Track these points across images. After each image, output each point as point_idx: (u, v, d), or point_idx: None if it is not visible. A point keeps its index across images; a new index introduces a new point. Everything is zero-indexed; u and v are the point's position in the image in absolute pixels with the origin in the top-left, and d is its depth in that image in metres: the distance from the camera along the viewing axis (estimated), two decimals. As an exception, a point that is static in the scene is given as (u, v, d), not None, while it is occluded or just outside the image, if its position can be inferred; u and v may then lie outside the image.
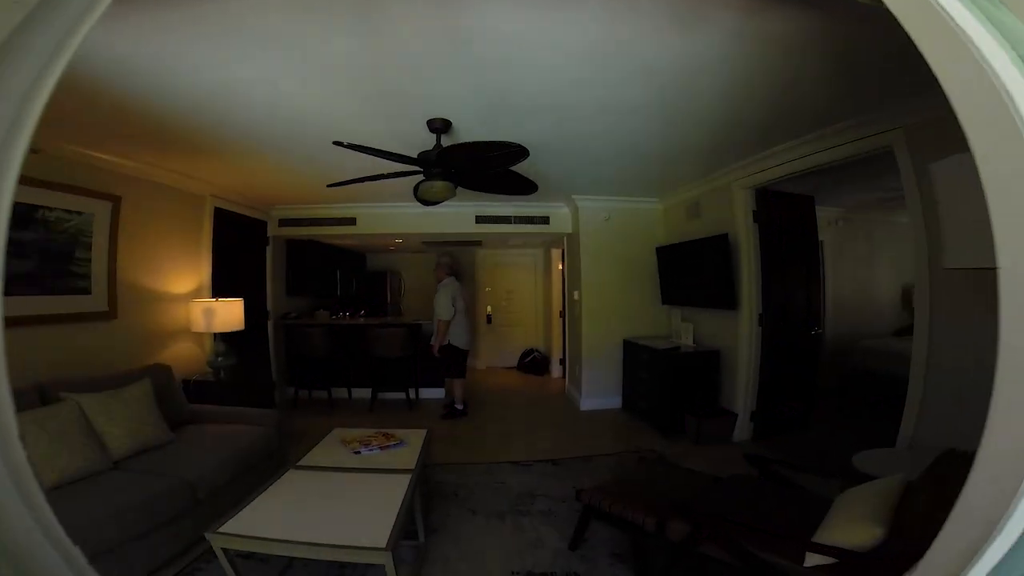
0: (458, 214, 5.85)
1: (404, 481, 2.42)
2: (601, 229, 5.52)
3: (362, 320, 6.47)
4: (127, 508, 2.23)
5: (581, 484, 3.07)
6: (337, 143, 2.63)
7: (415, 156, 2.86)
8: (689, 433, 4.41)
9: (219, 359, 4.29)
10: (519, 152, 2.59)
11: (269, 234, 6.06)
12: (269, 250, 6.06)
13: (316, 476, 2.54)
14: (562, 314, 7.02)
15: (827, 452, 3.90)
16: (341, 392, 6.20)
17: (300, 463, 2.72)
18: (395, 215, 5.93)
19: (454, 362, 5.42)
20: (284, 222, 6.10)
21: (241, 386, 4.38)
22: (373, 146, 2.58)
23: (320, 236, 6.64)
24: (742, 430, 4.36)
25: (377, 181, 3.20)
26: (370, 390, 5.80)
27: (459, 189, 3.19)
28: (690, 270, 4.93)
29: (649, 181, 4.82)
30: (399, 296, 9.26)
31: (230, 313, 4.34)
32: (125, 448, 2.72)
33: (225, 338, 4.37)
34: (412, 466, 2.67)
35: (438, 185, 2.88)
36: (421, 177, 3.05)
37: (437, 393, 6.20)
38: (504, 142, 2.61)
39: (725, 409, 4.48)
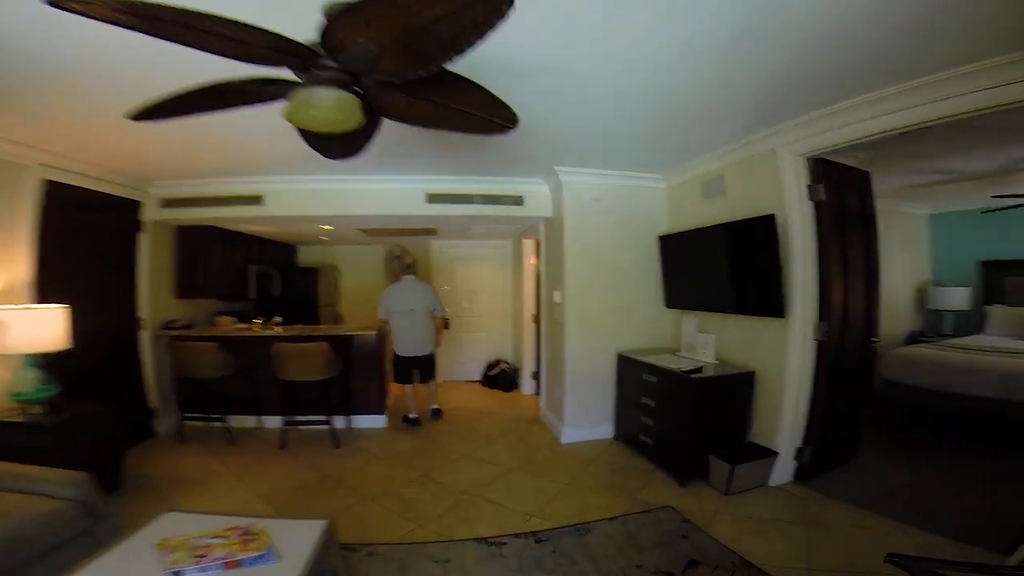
0: (402, 192, 4.47)
1: None
2: (590, 213, 4.29)
3: (274, 330, 4.96)
4: None
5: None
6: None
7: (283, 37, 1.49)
8: (714, 481, 3.27)
9: (32, 391, 2.82)
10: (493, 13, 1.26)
11: (145, 218, 4.48)
12: (144, 239, 4.49)
13: None
14: (536, 319, 5.77)
15: (920, 499, 2.90)
16: (248, 421, 4.72)
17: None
18: (316, 193, 4.48)
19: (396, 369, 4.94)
20: (169, 203, 4.54)
21: (72, 428, 2.90)
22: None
23: (222, 221, 5.09)
24: (782, 471, 3.28)
25: (235, 113, 1.80)
26: (291, 417, 4.34)
27: (391, 142, 1.88)
28: (710, 265, 3.78)
29: (664, 147, 3.62)
30: (335, 298, 7.73)
31: (43, 326, 2.84)
32: None
33: (56, 358, 2.91)
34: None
35: (323, 97, 1.51)
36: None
37: (377, 422, 4.82)
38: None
39: (760, 446, 3.38)
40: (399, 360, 4.91)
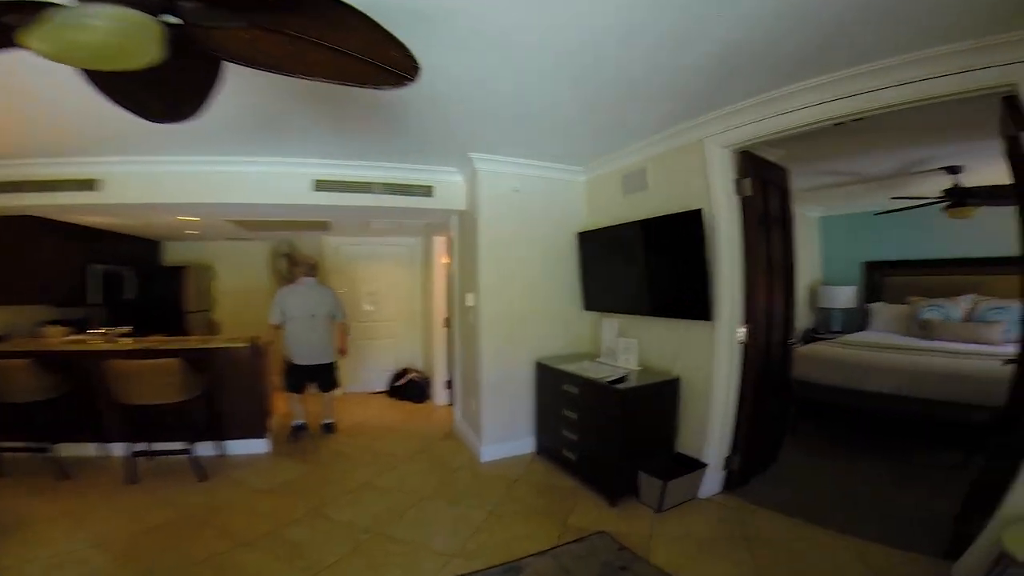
0: (283, 177, 3.77)
1: None
2: (509, 206, 3.88)
3: (117, 343, 3.99)
4: None
5: None
6: None
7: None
8: (645, 497, 3.00)
9: None
10: None
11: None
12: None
13: None
14: (447, 323, 5.26)
15: (847, 504, 2.81)
16: (86, 449, 3.78)
17: None
18: (170, 177, 3.65)
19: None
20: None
21: None
22: None
23: (47, 210, 4.04)
24: (711, 481, 3.10)
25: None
26: (142, 444, 3.49)
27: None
28: (632, 265, 3.53)
29: (587, 135, 3.29)
30: (209, 303, 6.66)
31: None
32: None
33: None
34: None
35: (93, 15, 0.97)
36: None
37: (256, 446, 4.06)
38: None
39: (687, 457, 3.16)
40: (295, 369, 4.41)
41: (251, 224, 5.28)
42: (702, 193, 3.02)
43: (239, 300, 6.66)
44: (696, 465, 3.07)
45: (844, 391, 4.22)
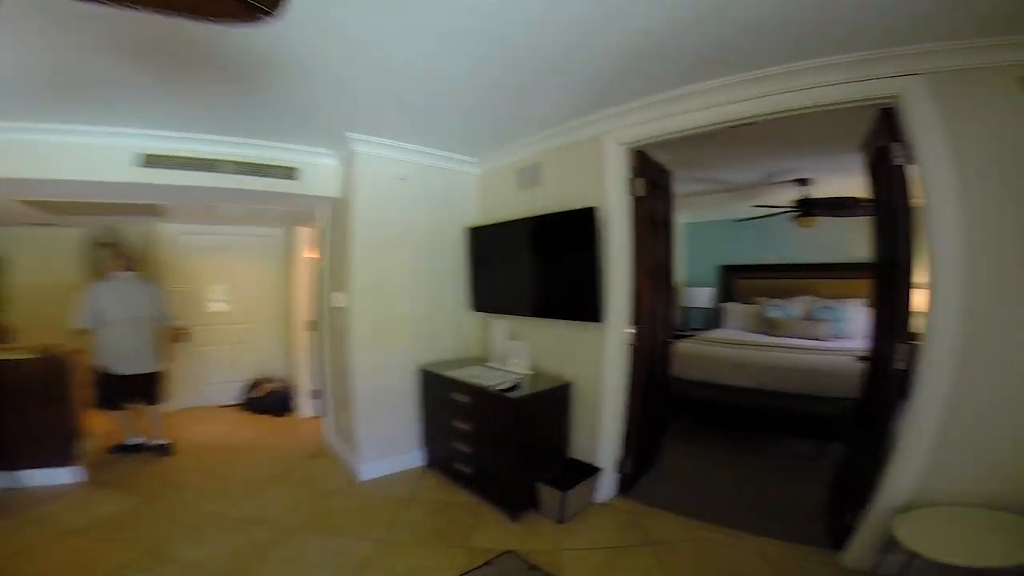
0: (96, 148, 2.95)
1: None
2: (392, 196, 3.47)
3: None
4: None
5: None
6: None
7: None
8: (546, 509, 2.84)
9: None
10: None
11: None
12: None
13: None
14: (313, 326, 4.65)
15: (735, 500, 2.87)
16: None
17: None
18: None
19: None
20: None
21: None
22: None
23: None
24: (606, 486, 3.05)
25: None
26: None
27: None
28: (523, 264, 3.35)
29: (484, 124, 3.04)
30: (1, 302, 5.21)
31: None
32: None
33: None
34: None
35: None
36: None
37: (62, 476, 3.19)
38: None
39: (581, 463, 3.07)
40: (113, 381, 3.66)
41: (55, 207, 4.18)
42: (596, 191, 2.93)
43: (44, 299, 5.29)
44: (590, 470, 2.98)
45: (710, 386, 4.50)
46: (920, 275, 2.10)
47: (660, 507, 2.93)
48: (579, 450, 3.14)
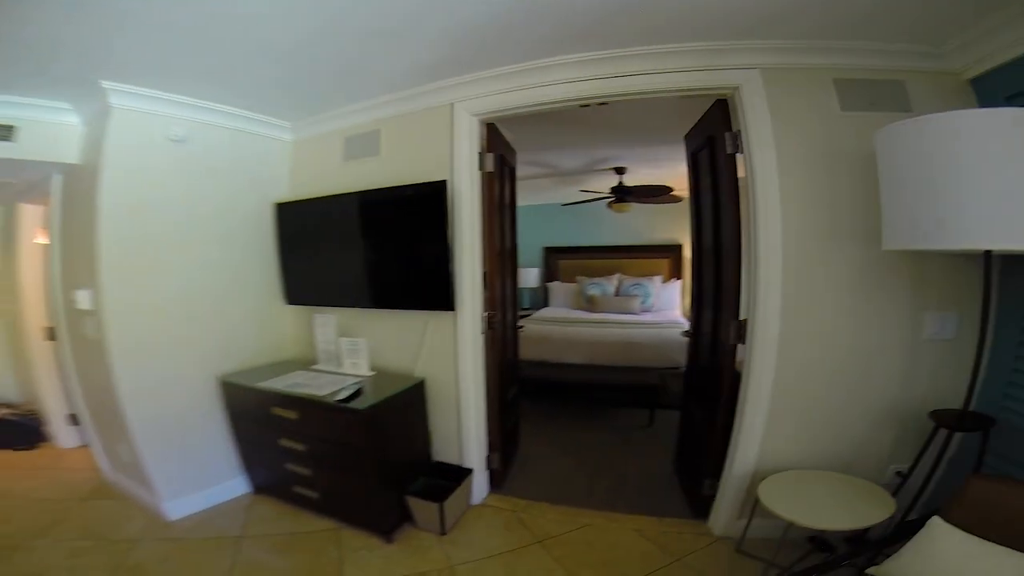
0: None
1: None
2: (164, 163, 2.61)
3: None
4: None
5: None
6: None
7: None
8: (423, 522, 2.51)
9: None
10: None
11: None
12: None
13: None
14: (51, 334, 3.42)
15: (598, 481, 2.88)
16: None
17: None
18: None
19: None
20: None
21: None
22: None
23: None
24: (479, 486, 2.86)
25: None
26: None
27: None
28: (356, 246, 2.87)
29: (309, 82, 2.44)
30: None
31: None
32: None
33: None
34: None
35: None
36: None
37: None
38: None
39: (448, 465, 2.82)
40: None
41: None
42: (444, 165, 2.62)
43: None
44: (461, 473, 2.73)
45: (546, 365, 4.61)
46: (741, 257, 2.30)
47: (534, 499, 2.85)
48: (443, 452, 2.86)
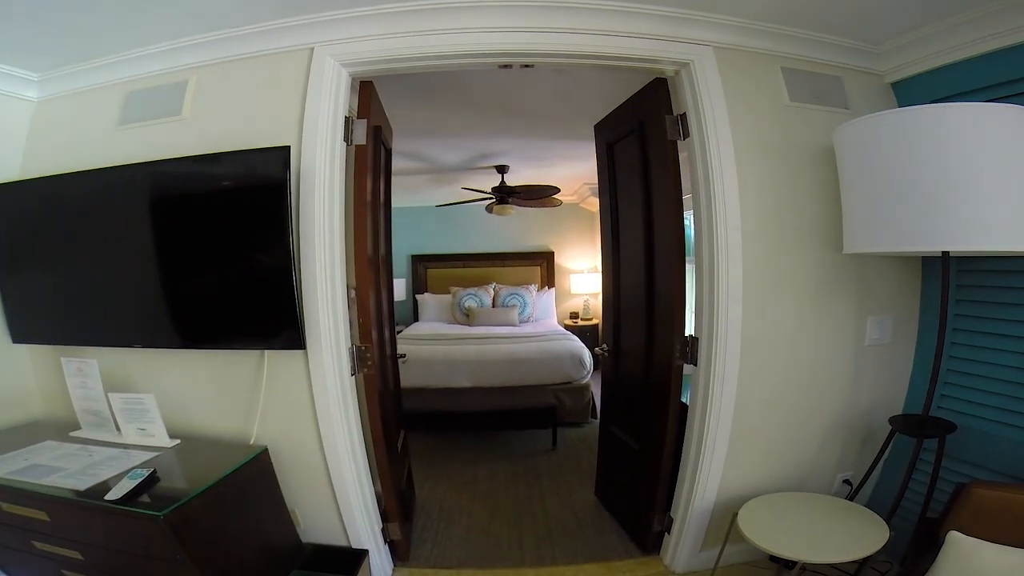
0: None
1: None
2: None
3: None
4: None
5: None
6: None
7: None
8: None
9: None
10: None
11: None
12: None
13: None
14: None
15: (520, 526, 2.30)
16: None
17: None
18: None
19: None
20: None
21: None
22: None
23: None
24: (379, 566, 2.08)
25: None
26: None
27: None
28: (134, 248, 1.83)
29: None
30: None
31: None
32: None
33: None
34: None
35: None
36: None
37: None
38: None
39: (336, 548, 1.99)
40: None
41: None
42: (290, 131, 1.80)
43: None
44: (351, 557, 1.92)
45: (427, 392, 3.93)
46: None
47: (456, 566, 2.21)
48: (319, 531, 1.99)
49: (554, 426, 3.59)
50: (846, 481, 2.02)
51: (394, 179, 4.37)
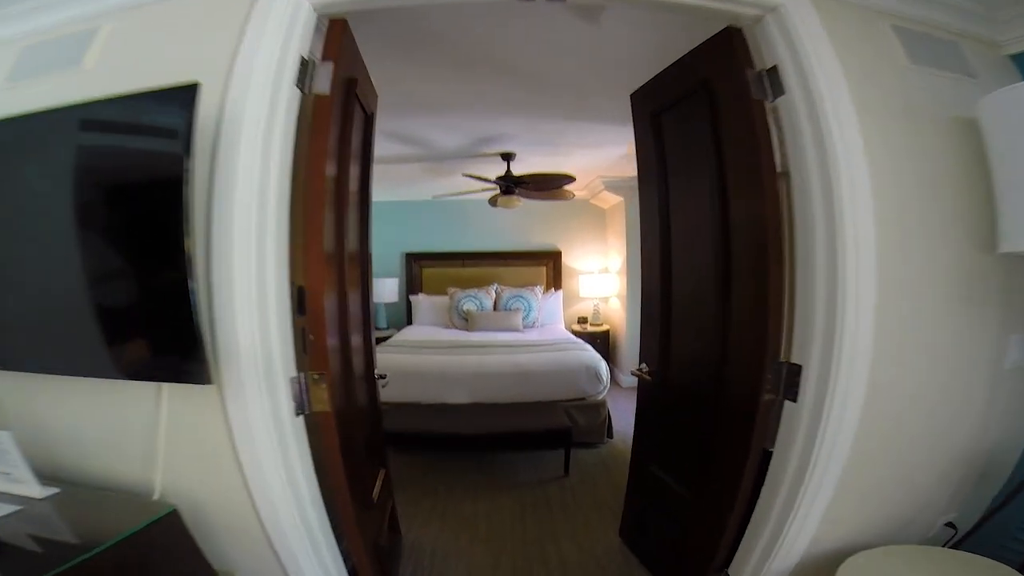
0: None
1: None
2: None
3: None
4: None
5: None
6: None
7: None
8: None
9: None
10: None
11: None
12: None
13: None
14: None
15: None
16: None
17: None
18: None
19: None
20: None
21: None
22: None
23: None
24: None
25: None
26: None
27: None
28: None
29: None
30: None
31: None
32: None
33: None
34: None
35: None
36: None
37: None
38: None
39: None
40: None
41: None
42: (214, 74, 1.29)
43: None
44: None
45: (420, 408, 3.44)
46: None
47: None
48: None
49: (567, 449, 3.10)
50: (948, 524, 1.64)
51: (385, 168, 3.90)
